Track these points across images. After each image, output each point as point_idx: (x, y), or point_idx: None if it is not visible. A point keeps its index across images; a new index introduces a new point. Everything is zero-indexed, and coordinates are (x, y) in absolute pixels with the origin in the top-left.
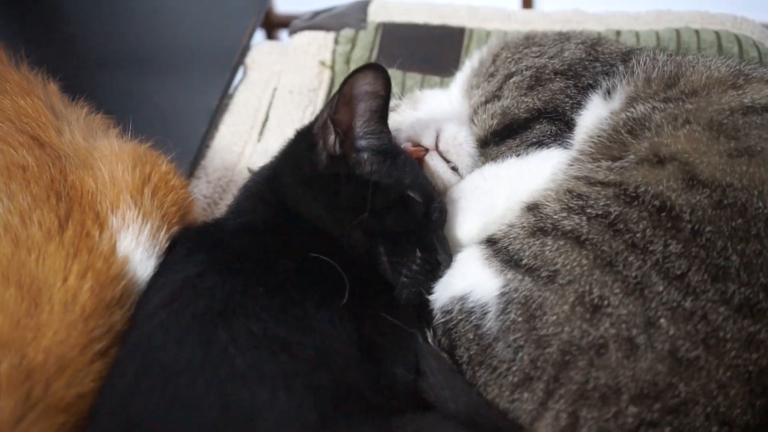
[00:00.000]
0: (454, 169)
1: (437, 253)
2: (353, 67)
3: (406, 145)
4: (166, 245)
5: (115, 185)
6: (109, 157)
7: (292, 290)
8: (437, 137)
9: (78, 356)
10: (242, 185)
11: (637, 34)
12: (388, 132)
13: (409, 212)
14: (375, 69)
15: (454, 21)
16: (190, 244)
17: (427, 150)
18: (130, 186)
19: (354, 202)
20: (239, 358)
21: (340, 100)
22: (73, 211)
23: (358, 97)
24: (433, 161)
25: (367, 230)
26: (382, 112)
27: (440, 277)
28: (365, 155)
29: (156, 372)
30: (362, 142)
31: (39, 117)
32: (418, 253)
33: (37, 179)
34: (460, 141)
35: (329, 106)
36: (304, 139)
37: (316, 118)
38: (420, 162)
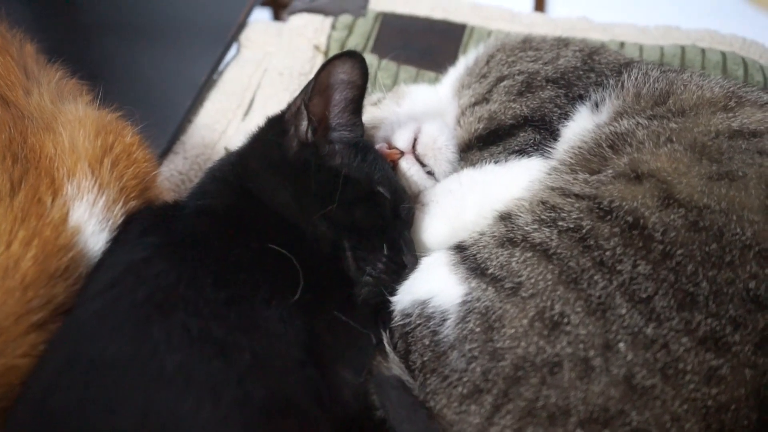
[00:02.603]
0: (430, 173)
1: (403, 254)
2: None
3: (382, 146)
4: (122, 220)
5: (74, 152)
6: (73, 122)
7: (242, 283)
8: (415, 139)
9: (12, 325)
10: (208, 167)
11: (641, 48)
12: (361, 125)
13: (377, 208)
14: (353, 57)
15: (456, 17)
16: (144, 225)
17: (402, 153)
18: (89, 154)
19: (322, 192)
20: (169, 359)
21: (315, 87)
22: (28, 175)
23: (334, 86)
24: (408, 165)
25: (333, 222)
26: (357, 102)
27: (404, 279)
28: (337, 147)
29: (82, 365)
30: (335, 134)
31: (8, 75)
32: (385, 251)
33: None
34: (439, 145)
35: (304, 93)
36: (276, 126)
37: (289, 105)
38: (394, 166)
